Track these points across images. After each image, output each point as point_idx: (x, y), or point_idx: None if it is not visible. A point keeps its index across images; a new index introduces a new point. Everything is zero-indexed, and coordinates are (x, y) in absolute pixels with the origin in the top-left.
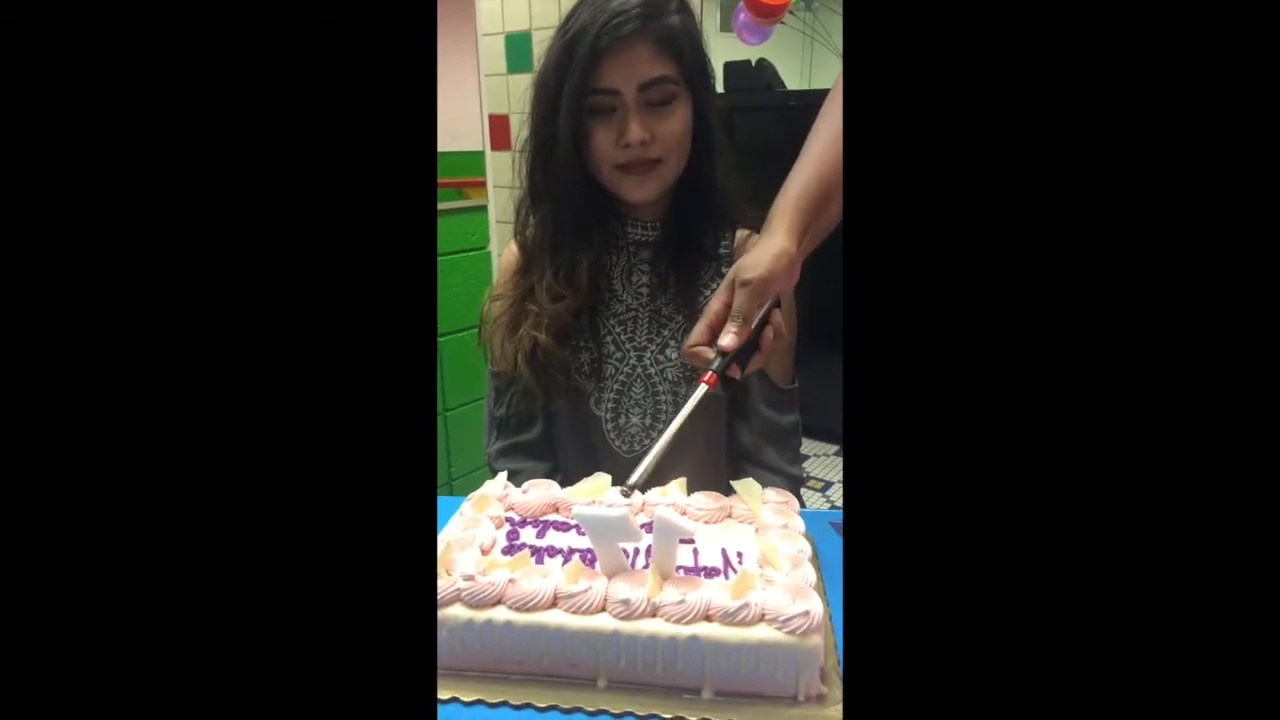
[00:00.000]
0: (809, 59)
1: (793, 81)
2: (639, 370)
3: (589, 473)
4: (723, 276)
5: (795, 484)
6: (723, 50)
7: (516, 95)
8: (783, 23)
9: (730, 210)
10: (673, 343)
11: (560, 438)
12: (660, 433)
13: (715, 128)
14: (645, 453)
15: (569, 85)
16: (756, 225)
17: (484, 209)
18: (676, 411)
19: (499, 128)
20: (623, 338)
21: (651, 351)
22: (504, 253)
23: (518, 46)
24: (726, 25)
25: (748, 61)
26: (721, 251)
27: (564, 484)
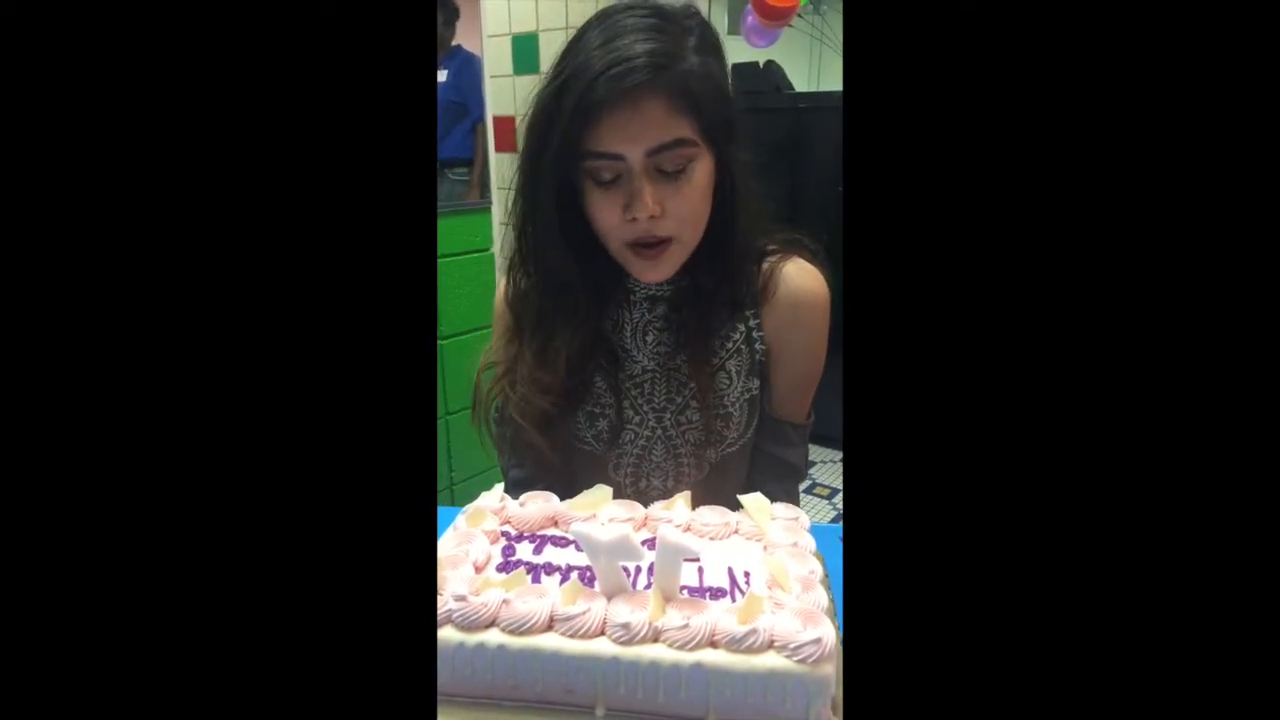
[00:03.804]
0: (817, 61)
1: (800, 83)
2: (659, 433)
3: None
4: (744, 322)
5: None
6: (730, 52)
7: (522, 97)
8: (790, 25)
9: (754, 253)
10: (694, 403)
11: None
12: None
13: (741, 185)
14: None
15: (553, 146)
16: (782, 249)
17: (487, 210)
18: (699, 476)
19: (504, 129)
20: (640, 400)
21: (671, 413)
22: (496, 300)
23: (524, 48)
24: (734, 28)
25: (755, 63)
26: (745, 294)
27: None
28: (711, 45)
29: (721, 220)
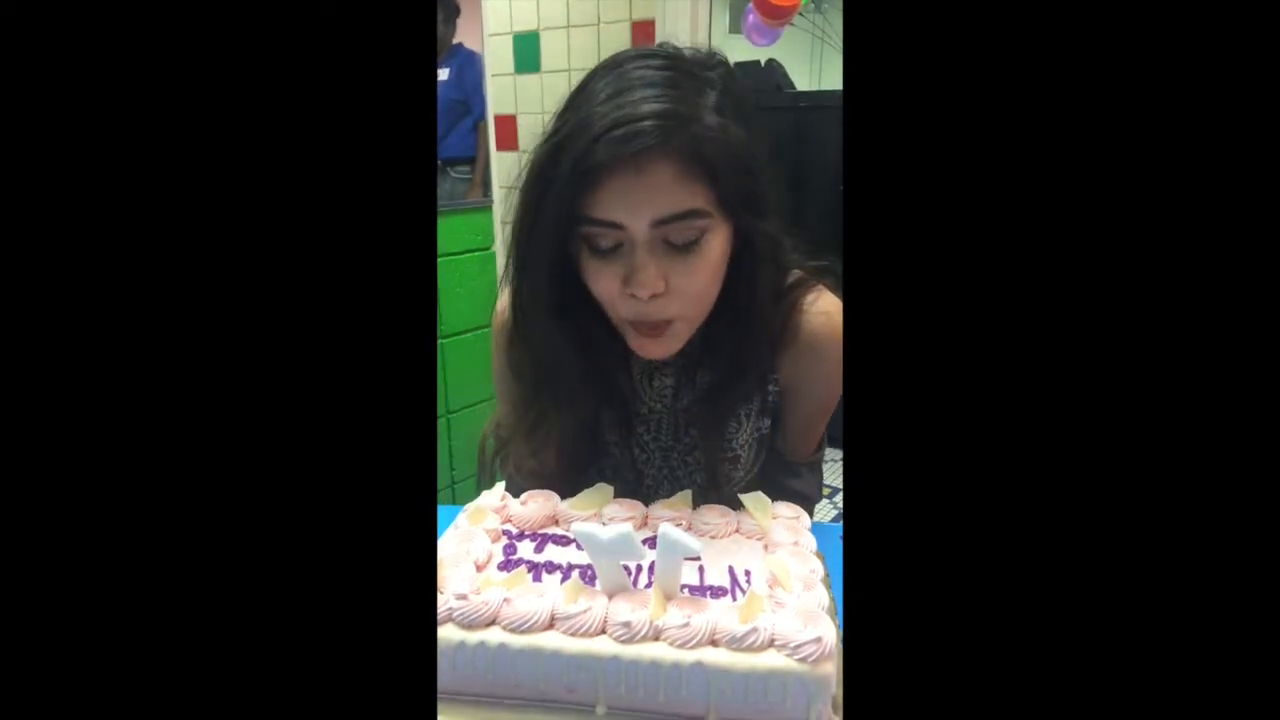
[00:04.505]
0: (818, 60)
1: (802, 82)
2: (665, 472)
3: None
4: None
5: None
6: (732, 51)
7: (523, 96)
8: (792, 24)
9: (774, 300)
10: (701, 444)
11: None
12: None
13: (765, 250)
14: None
15: (548, 212)
16: (805, 279)
17: (488, 209)
18: None
19: (504, 128)
20: (646, 438)
21: (679, 452)
22: (504, 321)
23: (525, 47)
24: (735, 27)
25: (757, 62)
26: (763, 361)
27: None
28: (733, 101)
29: (738, 293)
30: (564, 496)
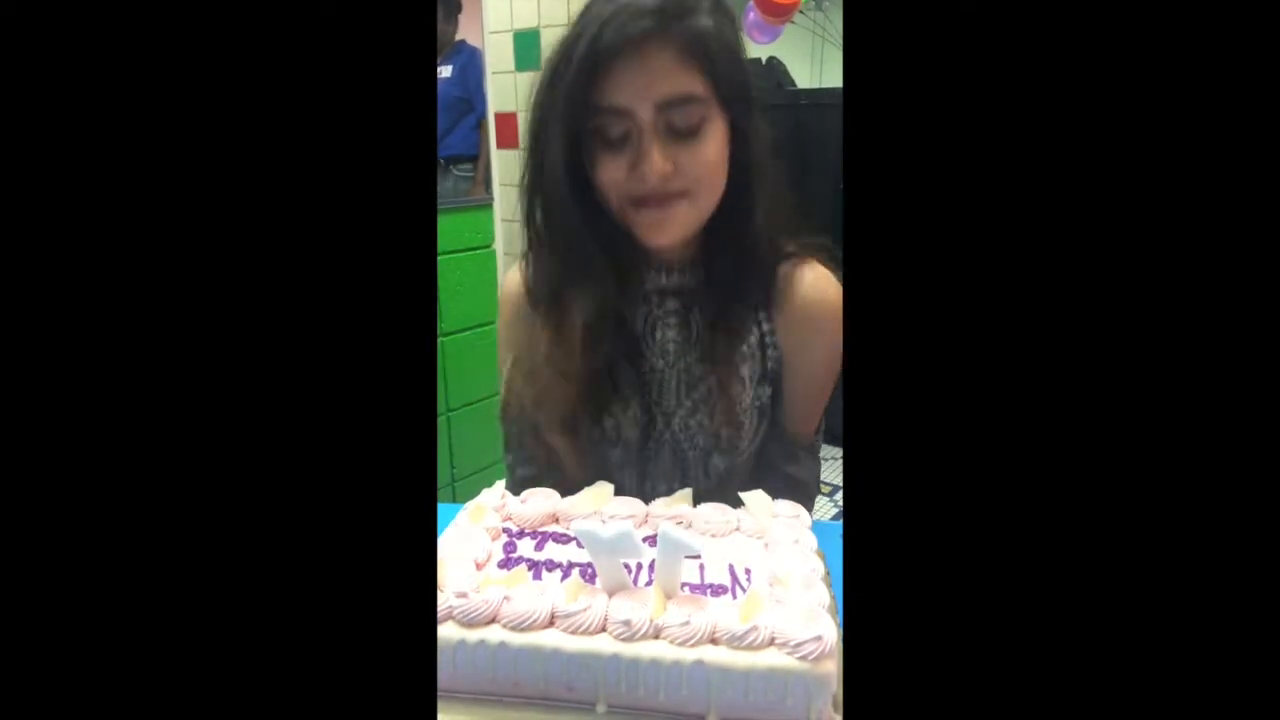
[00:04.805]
0: (819, 57)
1: (803, 80)
2: (667, 437)
3: None
4: (758, 325)
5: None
6: None
7: (524, 93)
8: (793, 22)
9: (773, 250)
10: (703, 407)
11: None
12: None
13: (760, 155)
14: None
15: (563, 101)
16: (801, 252)
17: (489, 206)
18: (705, 483)
19: (505, 126)
20: (650, 399)
21: (681, 416)
22: (512, 293)
23: (526, 44)
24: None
25: (758, 60)
26: (762, 298)
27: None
28: (726, 13)
29: (737, 198)
30: (587, 394)
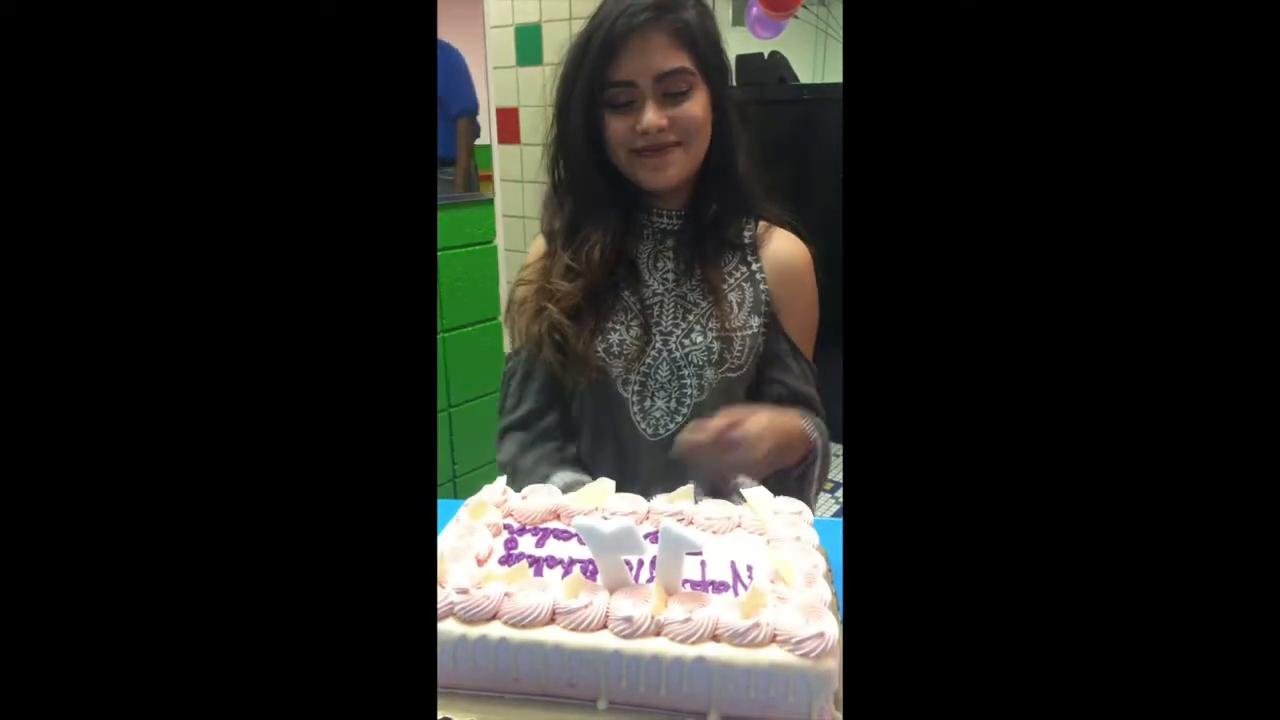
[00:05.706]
0: (822, 52)
1: (805, 75)
2: (664, 354)
3: (611, 457)
4: (745, 264)
5: (812, 405)
6: (735, 44)
7: (525, 88)
8: (795, 17)
9: (752, 200)
10: (698, 328)
11: (583, 423)
12: (684, 418)
13: (734, 119)
14: (669, 438)
15: (583, 77)
16: (775, 218)
17: (490, 202)
18: (700, 396)
19: (507, 121)
20: (649, 321)
21: (677, 336)
22: (533, 243)
23: (527, 39)
24: (739, 19)
25: (760, 54)
26: (745, 240)
27: (586, 469)
28: (706, 10)
29: (721, 147)
30: (592, 296)
